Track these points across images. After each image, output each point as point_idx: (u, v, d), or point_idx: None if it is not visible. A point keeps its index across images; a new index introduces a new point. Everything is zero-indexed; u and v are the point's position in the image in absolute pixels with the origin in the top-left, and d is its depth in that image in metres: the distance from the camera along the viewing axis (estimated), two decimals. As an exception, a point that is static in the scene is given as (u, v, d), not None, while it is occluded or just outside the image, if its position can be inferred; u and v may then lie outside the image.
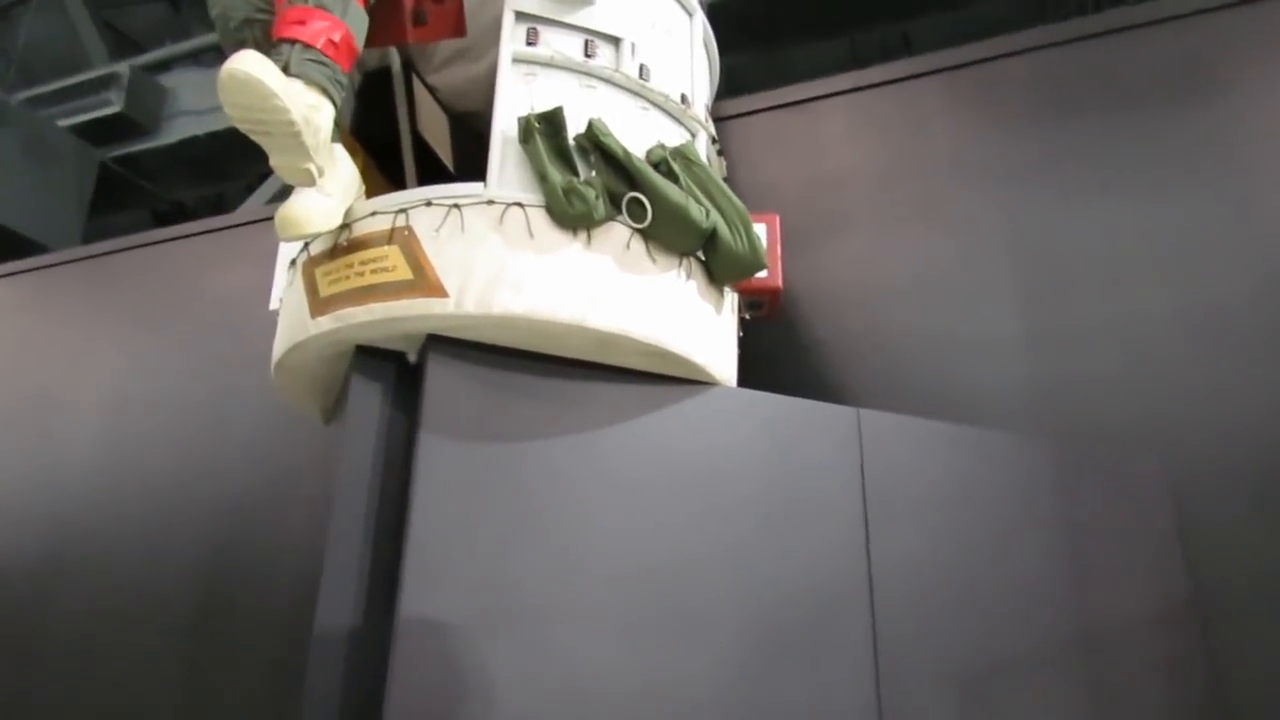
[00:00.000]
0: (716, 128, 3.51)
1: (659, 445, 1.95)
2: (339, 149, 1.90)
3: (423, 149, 2.54)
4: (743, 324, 2.37)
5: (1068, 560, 2.22)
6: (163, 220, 7.41)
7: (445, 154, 2.52)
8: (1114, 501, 2.35)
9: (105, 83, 6.25)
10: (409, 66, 2.50)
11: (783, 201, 3.25)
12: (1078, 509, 2.29)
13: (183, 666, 3.27)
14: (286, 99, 1.50)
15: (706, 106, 2.36)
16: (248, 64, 1.46)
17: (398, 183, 2.42)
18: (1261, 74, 2.81)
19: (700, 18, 2.40)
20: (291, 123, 1.52)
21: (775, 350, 2.95)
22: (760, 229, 2.41)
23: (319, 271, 1.92)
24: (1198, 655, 2.17)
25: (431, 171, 2.48)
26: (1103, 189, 2.91)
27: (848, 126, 3.36)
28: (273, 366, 2.05)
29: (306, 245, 1.99)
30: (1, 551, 3.77)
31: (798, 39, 6.84)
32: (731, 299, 2.20)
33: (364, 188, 1.98)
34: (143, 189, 6.67)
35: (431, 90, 2.54)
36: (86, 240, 6.04)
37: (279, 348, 2.00)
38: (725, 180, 2.42)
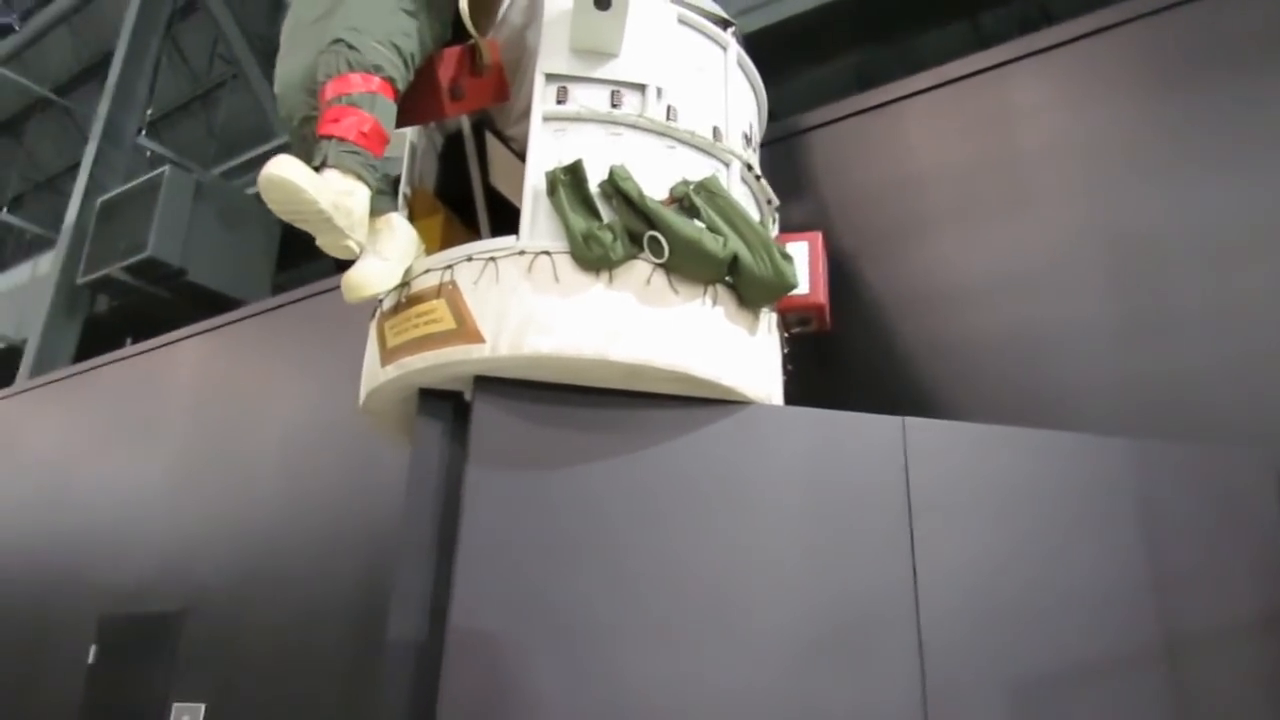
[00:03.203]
0: (800, 139, 3.58)
1: (694, 465, 2.07)
2: (396, 217, 2.16)
3: (501, 199, 2.78)
4: (795, 340, 2.44)
5: (1147, 565, 2.13)
6: (343, 266, 8.23)
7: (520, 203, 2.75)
8: (1209, 501, 2.22)
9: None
10: (481, 126, 2.75)
11: (866, 206, 3.27)
12: (1160, 510, 2.19)
13: (348, 670, 3.68)
14: (315, 193, 1.77)
15: (745, 133, 2.45)
16: (279, 168, 1.74)
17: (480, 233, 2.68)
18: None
19: (735, 49, 2.49)
20: (321, 211, 1.79)
21: (860, 359, 2.98)
22: (801, 247, 2.49)
23: (387, 325, 2.19)
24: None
25: (514, 220, 2.72)
26: (1202, 166, 2.74)
27: (931, 125, 3.32)
28: (360, 408, 2.35)
29: (380, 302, 2.27)
30: (203, 571, 4.36)
31: (921, 26, 6.66)
32: (769, 319, 2.28)
33: (424, 247, 2.24)
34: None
35: (508, 142, 2.78)
36: (275, 292, 6.84)
37: (361, 393, 2.29)
38: (769, 203, 2.51)
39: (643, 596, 1.96)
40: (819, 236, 2.60)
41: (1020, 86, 3.18)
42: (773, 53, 7.20)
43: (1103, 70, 3.01)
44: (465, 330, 2.01)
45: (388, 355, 2.16)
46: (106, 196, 7.01)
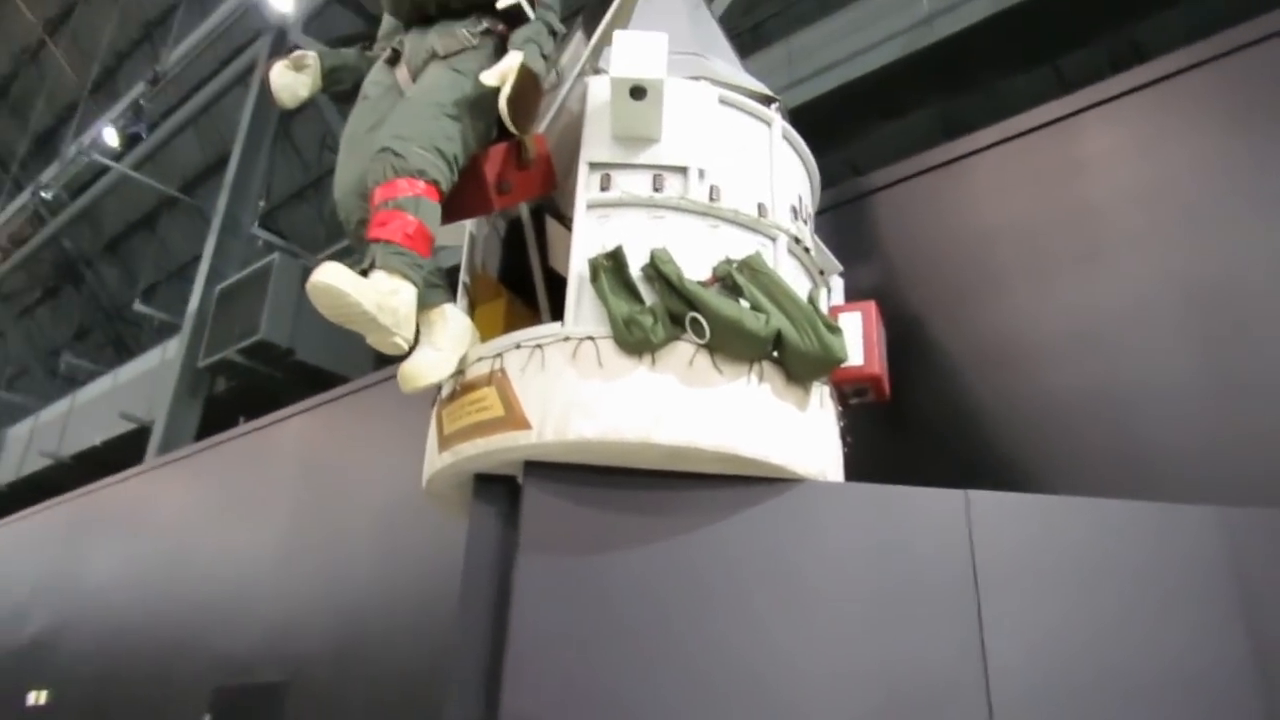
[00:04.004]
0: (867, 201, 3.54)
1: (744, 546, 2.04)
2: (449, 308, 2.25)
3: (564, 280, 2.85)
4: (854, 411, 2.39)
5: (1245, 644, 1.97)
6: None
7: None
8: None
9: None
10: (541, 209, 2.84)
11: (934, 265, 3.20)
12: (1256, 583, 2.03)
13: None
14: (359, 296, 1.86)
15: (794, 206, 2.45)
16: (324, 275, 1.84)
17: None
18: None
19: (779, 124, 2.51)
20: (365, 313, 1.88)
21: (928, 426, 2.89)
22: (853, 318, 2.46)
23: (444, 413, 2.27)
24: None
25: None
26: (1284, 208, 2.57)
27: (998, 179, 3.24)
28: (423, 491, 2.42)
29: (439, 390, 2.35)
30: (308, 641, 4.52)
31: (1003, 71, 6.54)
32: (821, 393, 2.25)
33: (479, 335, 2.31)
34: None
35: (567, 224, 2.86)
36: (377, 367, 7.16)
37: (423, 477, 2.36)
38: (820, 274, 2.49)
39: (696, 683, 1.93)
40: (872, 306, 2.56)
41: (1090, 135, 3.07)
42: (854, 109, 7.22)
43: (1175, 114, 2.89)
44: (513, 417, 2.06)
45: (444, 441, 2.23)
46: (224, 284, 7.52)
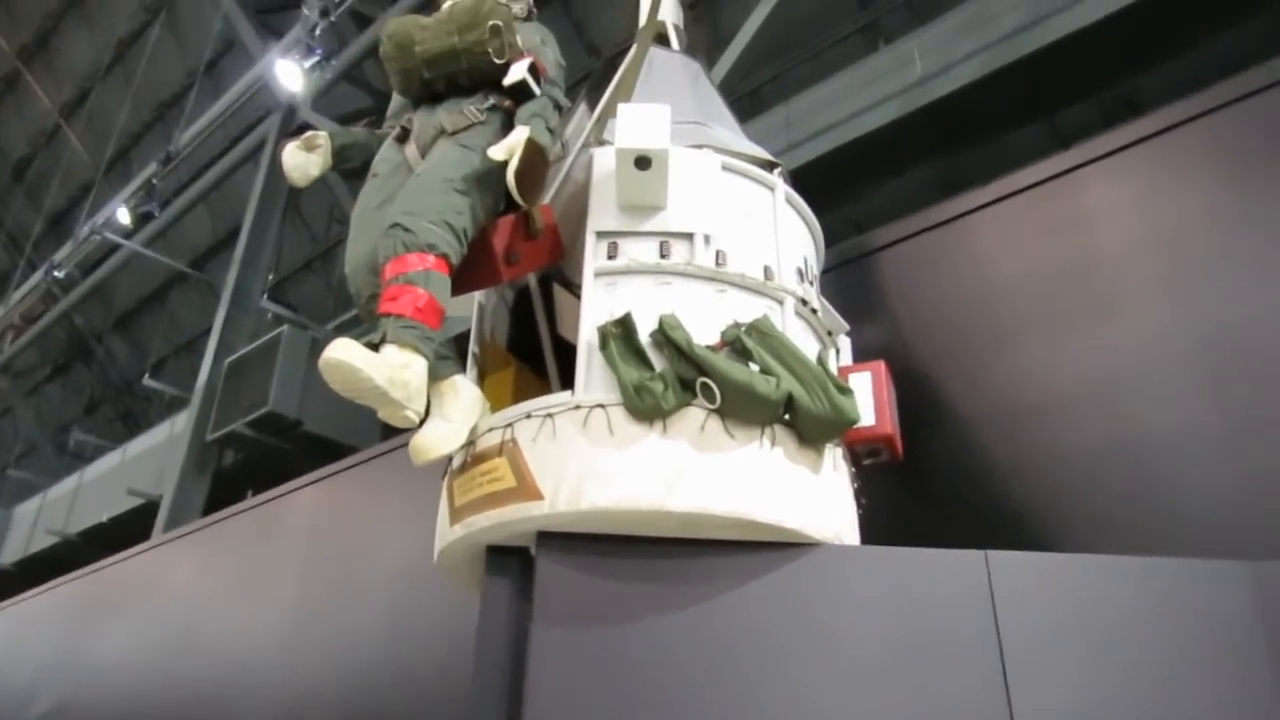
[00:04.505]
0: (873, 259, 3.57)
1: (761, 613, 2.01)
2: (460, 379, 2.26)
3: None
4: (868, 472, 2.37)
5: (1277, 701, 1.92)
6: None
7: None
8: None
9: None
10: (549, 278, 2.87)
11: (944, 322, 3.20)
12: (1293, 640, 1.98)
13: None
14: (370, 371, 1.87)
15: (800, 268, 2.47)
16: (336, 351, 1.86)
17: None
18: None
19: (782, 189, 2.54)
20: (377, 388, 1.89)
21: (945, 485, 2.86)
22: (864, 378, 2.45)
23: (455, 484, 2.25)
24: None
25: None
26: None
27: (1004, 234, 3.26)
28: (434, 565, 2.39)
29: (450, 461, 2.34)
30: (315, 712, 4.43)
31: (1000, 130, 6.65)
32: (834, 455, 2.23)
33: (489, 405, 2.31)
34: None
35: (575, 291, 2.88)
36: (385, 438, 7.16)
37: (434, 550, 2.34)
38: (828, 334, 2.50)
39: (717, 757, 1.88)
40: (881, 365, 2.56)
41: (1096, 187, 3.10)
42: (854, 168, 7.33)
43: (1179, 164, 2.92)
44: (525, 488, 2.04)
45: (456, 514, 2.21)
46: (233, 357, 7.57)
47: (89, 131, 12.82)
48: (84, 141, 13.04)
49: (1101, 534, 2.54)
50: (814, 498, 2.12)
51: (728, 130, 2.75)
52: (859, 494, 2.36)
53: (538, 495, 2.02)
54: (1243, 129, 2.82)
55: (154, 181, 9.43)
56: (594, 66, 3.28)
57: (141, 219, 9.93)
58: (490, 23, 2.39)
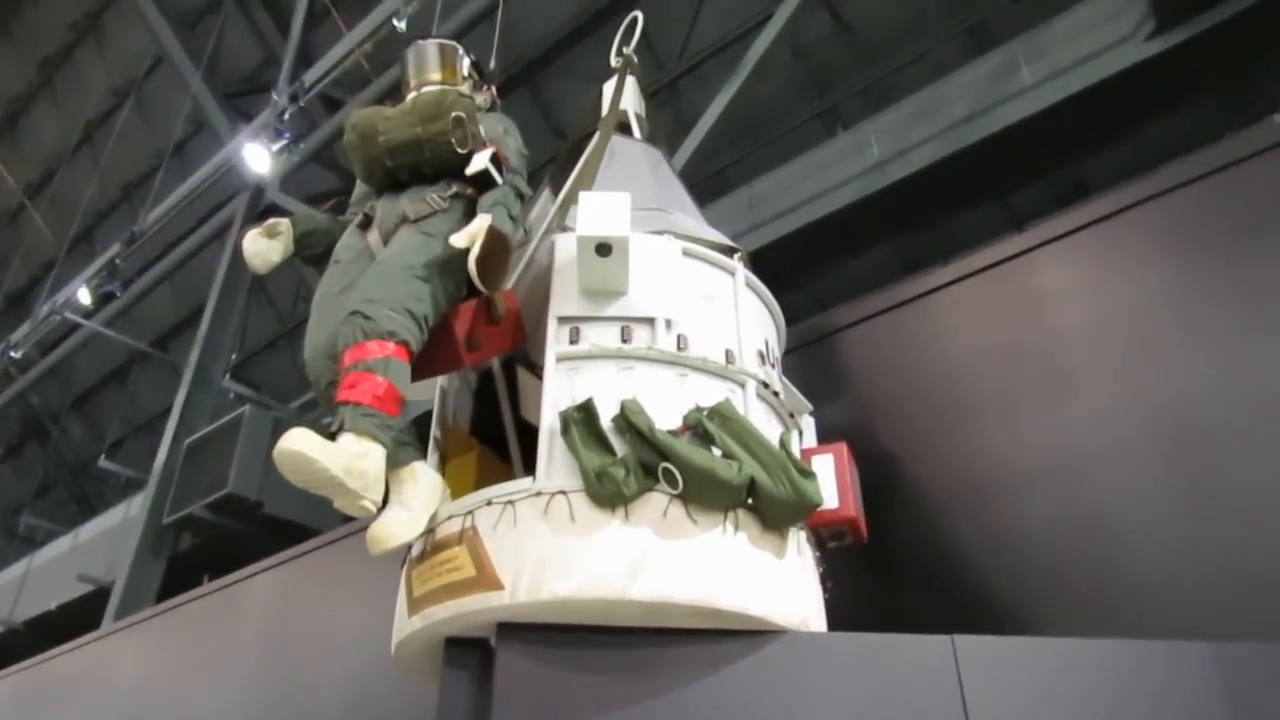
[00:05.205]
0: (833, 339, 3.61)
1: (726, 705, 1.96)
2: (420, 465, 2.23)
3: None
4: (832, 555, 2.36)
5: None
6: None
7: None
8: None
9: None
10: (512, 360, 2.86)
11: (904, 401, 3.23)
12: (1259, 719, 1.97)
13: None
14: (326, 461, 1.85)
15: (761, 351, 2.49)
16: (290, 442, 1.83)
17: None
18: None
19: (742, 273, 2.58)
20: (333, 478, 1.86)
21: (909, 566, 2.85)
22: (826, 460, 2.46)
23: (414, 573, 2.20)
24: None
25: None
26: (1246, 332, 2.65)
27: (962, 314, 3.32)
28: (392, 657, 2.32)
29: (409, 550, 2.29)
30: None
31: (955, 209, 6.86)
32: (798, 539, 2.22)
33: (449, 492, 2.28)
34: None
35: (539, 374, 2.87)
36: (346, 521, 7.02)
37: (392, 642, 2.27)
38: (790, 416, 2.51)
39: None
40: (844, 448, 2.57)
41: (1050, 268, 3.17)
42: (815, 248, 7.48)
43: (1130, 245, 3.00)
44: (485, 577, 2.00)
45: (414, 604, 2.16)
46: (193, 437, 7.42)
47: (53, 211, 12.77)
48: (48, 221, 12.97)
49: (1064, 611, 2.53)
50: (779, 583, 2.09)
51: (688, 216, 2.80)
52: (824, 577, 2.34)
53: (498, 585, 1.98)
54: (1191, 211, 2.92)
55: (117, 261, 9.37)
56: (559, 149, 3.35)
57: (103, 299, 9.83)
58: (454, 114, 2.44)
